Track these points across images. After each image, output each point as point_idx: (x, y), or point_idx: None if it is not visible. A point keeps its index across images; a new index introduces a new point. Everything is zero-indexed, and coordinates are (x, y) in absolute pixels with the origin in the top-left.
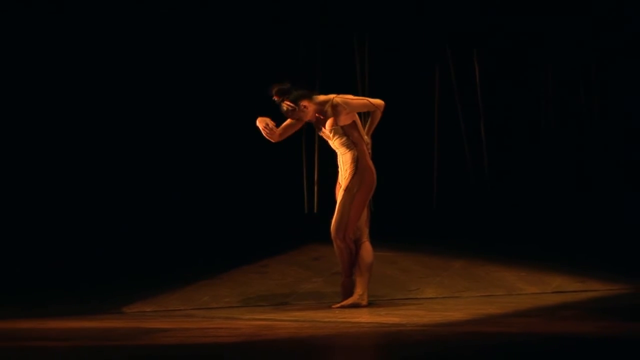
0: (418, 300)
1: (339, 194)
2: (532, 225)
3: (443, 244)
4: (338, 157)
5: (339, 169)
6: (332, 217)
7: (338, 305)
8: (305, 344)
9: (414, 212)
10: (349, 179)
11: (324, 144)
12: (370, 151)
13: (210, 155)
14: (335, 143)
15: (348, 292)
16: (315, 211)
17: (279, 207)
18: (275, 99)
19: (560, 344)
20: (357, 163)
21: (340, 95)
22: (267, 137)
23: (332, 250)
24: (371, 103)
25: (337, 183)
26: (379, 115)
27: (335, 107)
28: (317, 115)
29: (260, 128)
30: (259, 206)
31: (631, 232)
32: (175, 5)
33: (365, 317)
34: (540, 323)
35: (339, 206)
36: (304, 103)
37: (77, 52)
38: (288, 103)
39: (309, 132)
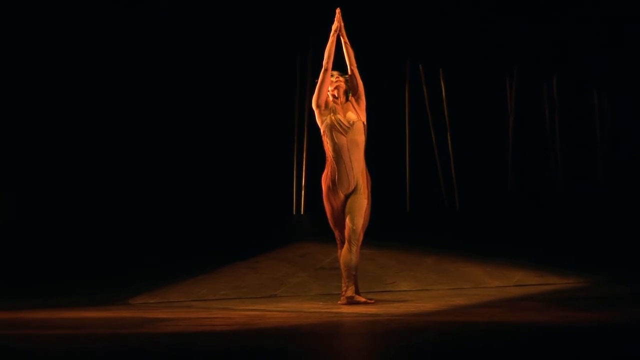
0: (393, 292)
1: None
2: (497, 224)
3: (416, 242)
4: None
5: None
6: (318, 219)
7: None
8: (292, 331)
9: (390, 214)
10: None
11: (312, 151)
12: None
13: (211, 166)
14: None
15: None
16: (302, 213)
17: (270, 209)
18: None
19: (521, 332)
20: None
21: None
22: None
23: (316, 247)
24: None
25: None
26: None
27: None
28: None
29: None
30: (252, 208)
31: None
32: (175, 10)
33: (345, 308)
34: (503, 313)
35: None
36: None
37: (76, 57)
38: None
39: (300, 140)
